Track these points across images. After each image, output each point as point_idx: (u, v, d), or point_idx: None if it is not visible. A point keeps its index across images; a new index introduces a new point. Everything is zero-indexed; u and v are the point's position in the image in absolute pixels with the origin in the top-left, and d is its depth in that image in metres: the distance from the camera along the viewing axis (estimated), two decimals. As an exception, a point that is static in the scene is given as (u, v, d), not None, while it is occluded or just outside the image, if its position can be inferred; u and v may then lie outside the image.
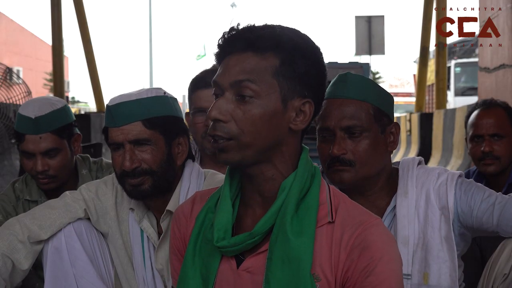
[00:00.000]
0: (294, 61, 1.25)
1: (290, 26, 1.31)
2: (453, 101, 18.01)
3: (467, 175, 2.67)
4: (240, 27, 1.27)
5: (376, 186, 1.73)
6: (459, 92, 18.34)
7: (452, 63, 19.02)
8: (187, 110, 2.52)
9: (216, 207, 1.33)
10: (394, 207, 1.71)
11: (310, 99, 1.28)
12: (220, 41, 1.28)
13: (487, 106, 2.59)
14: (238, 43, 1.25)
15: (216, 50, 1.29)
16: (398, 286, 1.24)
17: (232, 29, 1.27)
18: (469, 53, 20.89)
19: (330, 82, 1.80)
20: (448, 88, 19.40)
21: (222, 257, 1.30)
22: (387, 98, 1.74)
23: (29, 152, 2.24)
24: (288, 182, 1.27)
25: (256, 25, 1.28)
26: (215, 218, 1.30)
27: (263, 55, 1.24)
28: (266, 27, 1.27)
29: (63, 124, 2.28)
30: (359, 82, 1.70)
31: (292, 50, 1.25)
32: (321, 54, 1.31)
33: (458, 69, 18.92)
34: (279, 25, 1.29)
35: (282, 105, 1.25)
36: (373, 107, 1.68)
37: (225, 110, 1.24)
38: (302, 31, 1.31)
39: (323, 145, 1.70)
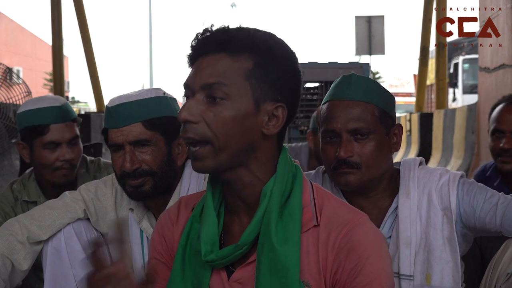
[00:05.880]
0: (267, 64, 1.22)
1: (267, 30, 1.28)
2: (461, 99, 17.16)
3: (483, 170, 2.66)
4: (215, 28, 1.24)
5: (379, 187, 1.72)
6: (468, 90, 17.41)
7: (460, 59, 18.19)
8: None
9: (201, 217, 1.30)
10: (396, 208, 1.71)
11: (283, 103, 1.25)
12: (193, 42, 1.24)
13: None
14: (211, 44, 1.22)
15: (189, 51, 1.25)
16: (388, 284, 1.23)
17: (206, 30, 1.24)
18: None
19: (332, 82, 1.79)
20: (456, 85, 18.66)
21: (213, 268, 1.28)
22: (390, 99, 1.74)
23: (55, 141, 2.27)
24: (269, 187, 1.25)
25: (231, 27, 1.24)
26: (201, 231, 1.27)
27: (236, 56, 1.21)
28: (240, 29, 1.24)
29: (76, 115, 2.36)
30: (364, 84, 1.69)
31: (266, 53, 1.22)
32: (296, 59, 1.28)
33: (466, 65, 18.02)
34: (255, 28, 1.26)
35: (254, 108, 1.22)
36: (378, 109, 1.68)
37: (195, 111, 1.21)
38: (278, 36, 1.28)
39: (328, 147, 1.69)
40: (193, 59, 1.25)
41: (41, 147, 2.28)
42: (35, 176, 2.40)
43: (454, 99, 18.54)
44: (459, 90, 18.24)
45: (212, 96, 1.21)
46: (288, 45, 1.28)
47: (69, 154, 2.29)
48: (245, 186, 1.26)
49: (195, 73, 1.23)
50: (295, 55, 1.28)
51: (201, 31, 1.25)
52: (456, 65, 18.83)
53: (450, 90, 19.25)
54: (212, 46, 1.22)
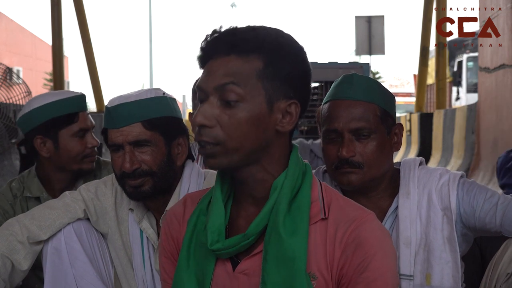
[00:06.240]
0: (278, 62, 1.24)
1: (274, 27, 1.29)
2: (466, 98, 16.71)
3: (505, 158, 2.66)
4: (223, 29, 1.25)
5: (380, 187, 1.72)
6: (472, 89, 16.67)
7: (464, 57, 17.78)
8: (190, 111, 2.54)
9: (208, 209, 1.32)
10: (396, 208, 1.71)
11: (296, 100, 1.26)
12: (203, 44, 1.26)
13: None
14: (221, 46, 1.23)
15: (199, 53, 1.27)
16: (393, 281, 1.25)
17: (214, 31, 1.25)
18: (483, 46, 20.05)
19: (332, 82, 1.79)
20: (460, 84, 18.24)
21: (217, 260, 1.29)
22: (391, 99, 1.75)
23: (84, 129, 2.35)
24: (280, 181, 1.26)
25: (239, 26, 1.26)
26: (208, 221, 1.28)
27: (247, 57, 1.23)
28: (249, 29, 1.25)
29: None
30: (365, 83, 1.70)
31: (275, 52, 1.24)
32: (305, 54, 1.29)
33: (470, 63, 17.42)
34: (263, 26, 1.27)
35: (267, 108, 1.23)
36: (379, 109, 1.68)
37: (210, 115, 1.22)
38: (286, 32, 1.30)
39: (329, 147, 1.70)
40: (203, 61, 1.27)
41: (71, 136, 2.33)
42: (37, 172, 2.41)
43: (457, 98, 18.04)
44: (463, 89, 17.80)
45: (226, 98, 1.22)
46: (296, 40, 1.30)
47: (95, 140, 2.37)
48: (257, 182, 1.28)
49: (207, 76, 1.25)
50: (303, 50, 1.30)
51: (210, 32, 1.26)
52: (460, 63, 18.32)
53: (454, 89, 18.89)
54: (222, 48, 1.23)
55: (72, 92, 2.39)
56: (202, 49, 1.26)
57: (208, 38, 1.25)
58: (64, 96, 2.33)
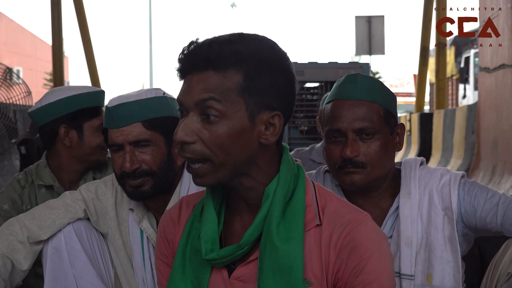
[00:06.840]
0: (257, 75, 1.21)
1: (255, 35, 1.24)
2: (472, 96, 16.08)
3: None
4: (200, 40, 1.22)
5: (381, 187, 1.72)
6: None
7: (471, 52, 17.21)
8: None
9: (202, 216, 1.30)
10: (397, 207, 1.71)
11: (279, 111, 1.23)
12: (180, 56, 1.23)
13: None
14: (199, 61, 1.20)
15: (177, 65, 1.24)
16: (389, 283, 1.23)
17: (191, 43, 1.22)
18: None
19: (332, 82, 1.79)
20: (467, 81, 17.71)
21: (212, 267, 1.29)
22: (393, 99, 1.75)
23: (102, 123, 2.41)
24: (272, 188, 1.25)
25: (216, 38, 1.22)
26: (201, 230, 1.27)
27: (225, 73, 1.19)
28: (226, 41, 1.21)
29: None
30: (368, 83, 1.70)
31: (255, 65, 1.20)
32: (288, 61, 1.26)
33: (478, 59, 17.43)
34: (241, 37, 1.23)
35: (249, 122, 1.21)
36: (382, 109, 1.68)
37: (190, 131, 1.20)
38: (267, 38, 1.25)
39: (332, 147, 1.69)
40: (182, 73, 1.24)
41: (94, 128, 2.38)
42: (48, 162, 2.44)
43: (464, 96, 17.59)
44: (470, 86, 17.32)
45: (206, 113, 1.20)
46: (279, 47, 1.26)
47: None
48: (247, 189, 1.26)
49: (186, 90, 1.22)
50: (286, 57, 1.26)
51: (187, 45, 1.23)
52: (467, 59, 17.85)
53: (461, 86, 18.52)
54: (199, 64, 1.20)
55: (94, 87, 2.48)
56: (179, 61, 1.23)
57: (185, 51, 1.22)
58: (90, 90, 2.40)
